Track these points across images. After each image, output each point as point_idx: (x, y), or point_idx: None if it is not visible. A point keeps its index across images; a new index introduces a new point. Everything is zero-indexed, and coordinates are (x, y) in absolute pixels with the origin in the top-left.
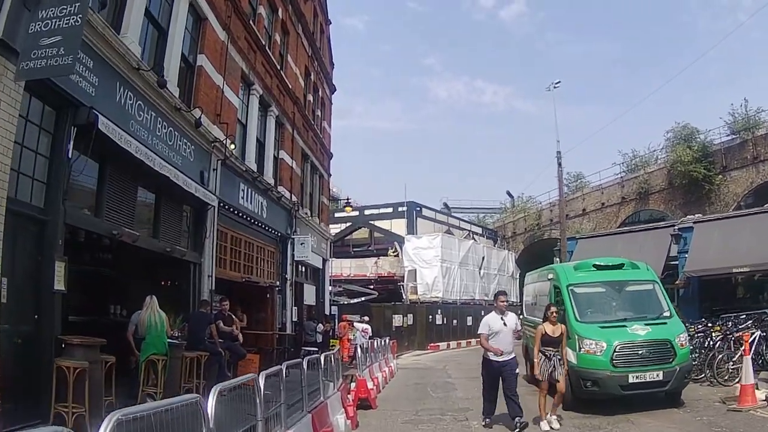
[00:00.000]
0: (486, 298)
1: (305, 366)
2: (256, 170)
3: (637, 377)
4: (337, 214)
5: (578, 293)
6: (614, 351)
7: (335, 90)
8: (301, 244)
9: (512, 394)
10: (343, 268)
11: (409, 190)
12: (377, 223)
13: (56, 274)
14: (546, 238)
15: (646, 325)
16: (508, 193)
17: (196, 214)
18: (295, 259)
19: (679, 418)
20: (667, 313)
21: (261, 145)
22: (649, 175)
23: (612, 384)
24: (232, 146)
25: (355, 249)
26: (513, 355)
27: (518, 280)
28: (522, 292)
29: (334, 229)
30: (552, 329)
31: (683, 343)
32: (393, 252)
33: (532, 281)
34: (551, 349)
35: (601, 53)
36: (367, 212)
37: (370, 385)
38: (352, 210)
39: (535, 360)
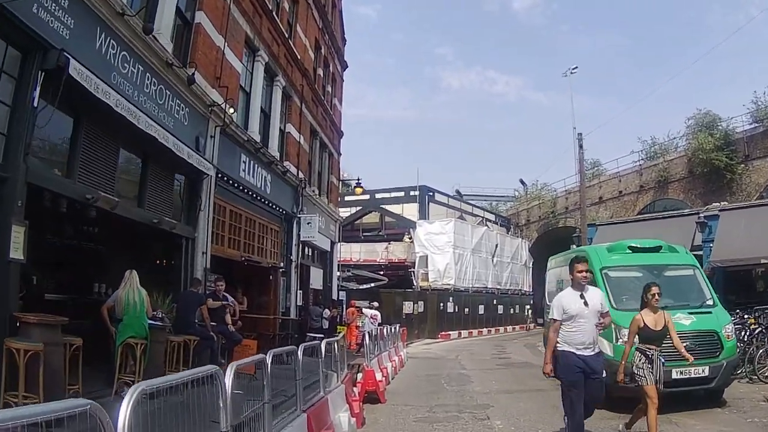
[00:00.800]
0: (498, 287)
1: (300, 354)
2: (259, 142)
3: (681, 373)
4: (347, 198)
5: (613, 277)
6: None
7: (347, 67)
8: (308, 223)
9: (591, 408)
10: (352, 252)
11: (420, 177)
12: (388, 208)
13: (13, 241)
14: (561, 226)
15: (690, 314)
16: (521, 182)
17: (190, 185)
18: (301, 239)
19: (727, 420)
20: (710, 302)
21: (266, 117)
22: (668, 163)
23: None
24: (231, 110)
25: (365, 233)
26: (599, 349)
27: (531, 269)
28: (534, 281)
29: (344, 212)
30: (653, 319)
31: (729, 335)
32: (408, 238)
33: (557, 265)
34: (653, 347)
35: (613, 46)
36: (378, 196)
37: (378, 376)
38: (363, 192)
39: (622, 361)
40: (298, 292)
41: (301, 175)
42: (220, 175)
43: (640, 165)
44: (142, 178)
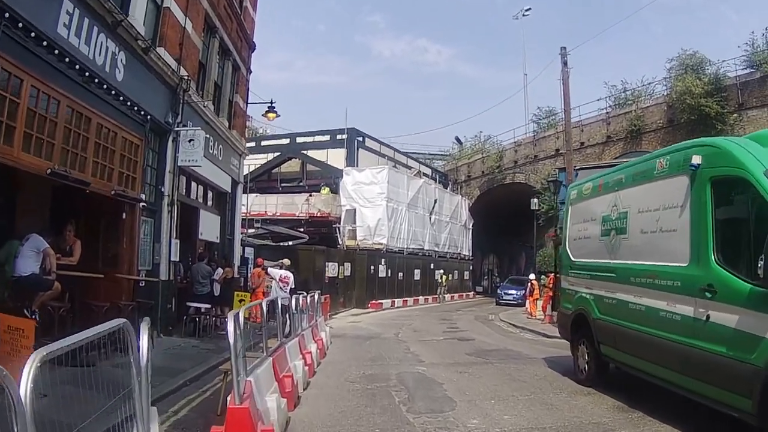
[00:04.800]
0: (436, 249)
1: None
2: None
3: None
4: (263, 143)
5: None
6: None
7: None
8: (189, 141)
9: None
10: (267, 205)
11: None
12: (311, 154)
13: None
14: (508, 183)
15: None
16: (457, 139)
17: None
18: (179, 164)
19: None
20: None
21: None
22: (643, 111)
23: None
24: None
25: (283, 184)
26: None
27: (471, 230)
28: (474, 244)
29: (259, 159)
30: None
31: None
32: (325, 191)
33: (596, 191)
34: None
35: (552, 21)
36: (299, 140)
37: (270, 411)
38: (276, 118)
39: None
40: (176, 242)
41: (183, 72)
42: (7, 15)
43: (607, 113)
44: None
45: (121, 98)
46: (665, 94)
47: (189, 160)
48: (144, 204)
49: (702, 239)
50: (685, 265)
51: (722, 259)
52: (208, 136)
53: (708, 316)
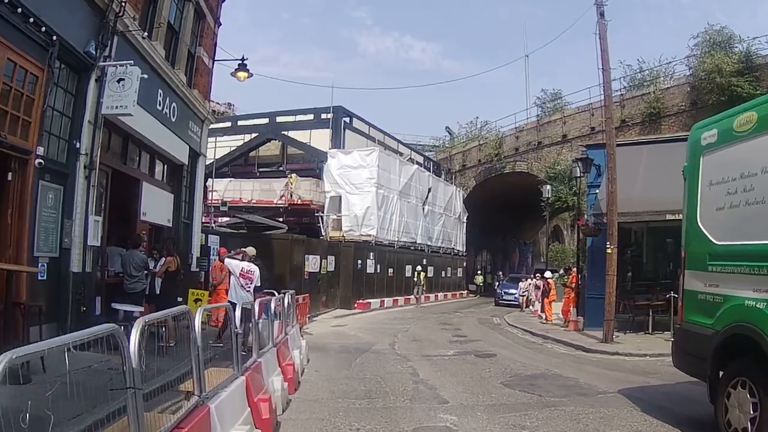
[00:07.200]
0: (429, 243)
1: None
2: None
3: None
4: (240, 122)
5: None
6: None
7: None
8: (119, 81)
9: None
10: (243, 191)
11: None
12: (293, 135)
13: None
14: (508, 172)
15: None
16: (447, 130)
17: None
18: (103, 112)
19: None
20: None
21: None
22: (663, 93)
23: None
24: None
25: (261, 168)
26: None
27: (465, 224)
28: (467, 239)
29: (235, 141)
30: None
31: None
32: (292, 180)
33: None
34: None
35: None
36: (279, 120)
37: None
38: (249, 77)
39: None
40: (96, 219)
41: None
42: None
43: (621, 95)
44: None
45: (10, 4)
46: (688, 74)
47: (116, 107)
48: (42, 161)
49: None
50: None
51: None
52: (145, 75)
53: None
